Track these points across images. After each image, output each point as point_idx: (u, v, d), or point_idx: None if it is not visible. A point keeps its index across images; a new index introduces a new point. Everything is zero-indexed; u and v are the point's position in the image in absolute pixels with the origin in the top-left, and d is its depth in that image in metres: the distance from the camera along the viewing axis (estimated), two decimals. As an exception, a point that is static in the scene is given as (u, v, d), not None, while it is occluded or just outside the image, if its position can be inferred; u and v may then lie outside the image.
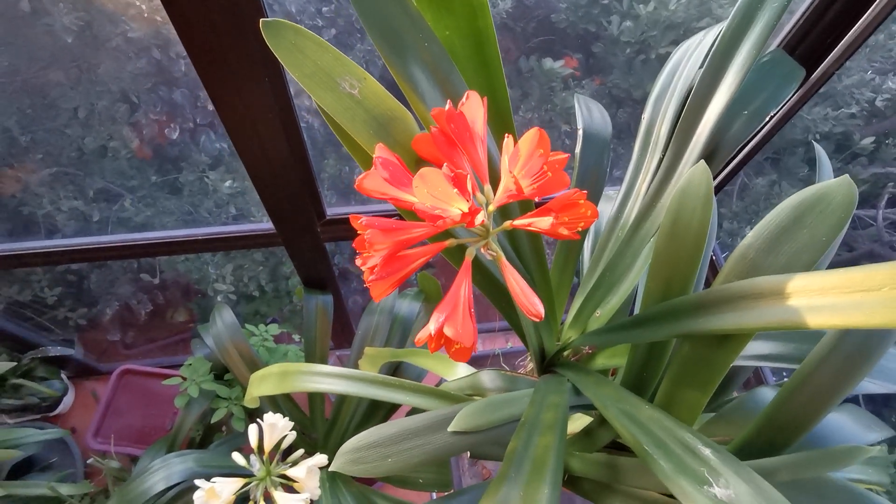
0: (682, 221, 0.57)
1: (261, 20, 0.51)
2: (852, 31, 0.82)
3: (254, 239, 1.18)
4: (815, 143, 0.81)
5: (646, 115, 0.82)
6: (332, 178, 1.74)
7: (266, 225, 1.17)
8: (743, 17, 0.68)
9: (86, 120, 1.61)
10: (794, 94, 0.84)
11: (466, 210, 0.42)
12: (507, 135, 0.44)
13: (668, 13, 1.88)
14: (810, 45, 0.86)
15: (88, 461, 1.43)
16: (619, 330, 0.63)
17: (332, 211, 1.14)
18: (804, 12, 0.87)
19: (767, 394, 0.68)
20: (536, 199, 0.45)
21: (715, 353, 0.52)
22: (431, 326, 0.45)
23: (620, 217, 0.81)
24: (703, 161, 0.58)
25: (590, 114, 0.88)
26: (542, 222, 0.44)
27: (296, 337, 1.66)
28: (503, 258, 0.50)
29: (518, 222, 0.47)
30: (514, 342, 1.66)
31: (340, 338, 1.66)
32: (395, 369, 1.23)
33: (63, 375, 1.71)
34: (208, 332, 1.31)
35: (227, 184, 1.55)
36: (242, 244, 1.20)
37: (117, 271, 1.72)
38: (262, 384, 0.86)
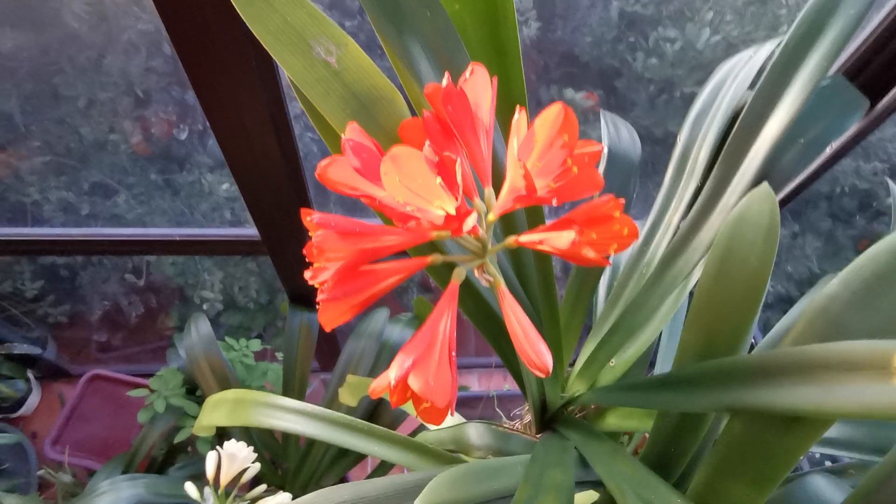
0: (735, 258, 0.43)
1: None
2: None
3: (236, 245, 1.05)
4: (889, 181, 0.67)
5: (682, 137, 0.68)
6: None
7: (251, 231, 1.04)
8: (810, 25, 0.55)
9: (86, 110, 1.50)
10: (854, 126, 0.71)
11: (452, 211, 0.28)
12: (519, 108, 0.31)
13: (694, 53, 1.77)
14: (873, 73, 0.73)
15: (40, 472, 1.28)
16: (644, 390, 0.48)
17: (323, 221, 1.01)
18: (867, 37, 0.74)
19: (823, 487, 0.52)
20: (553, 203, 0.31)
21: (780, 440, 0.37)
22: (393, 373, 0.31)
23: (646, 252, 0.67)
24: (765, 183, 0.44)
25: (617, 132, 0.74)
26: (559, 239, 0.30)
27: (279, 355, 1.52)
28: (503, 287, 0.36)
29: (526, 238, 0.33)
30: (512, 384, 1.47)
31: (327, 359, 1.52)
32: (378, 404, 1.08)
33: (31, 375, 1.57)
34: (182, 341, 1.17)
35: (225, 187, 1.44)
36: (224, 249, 1.07)
37: (102, 269, 1.60)
38: (214, 412, 0.71)
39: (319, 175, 0.37)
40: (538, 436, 0.61)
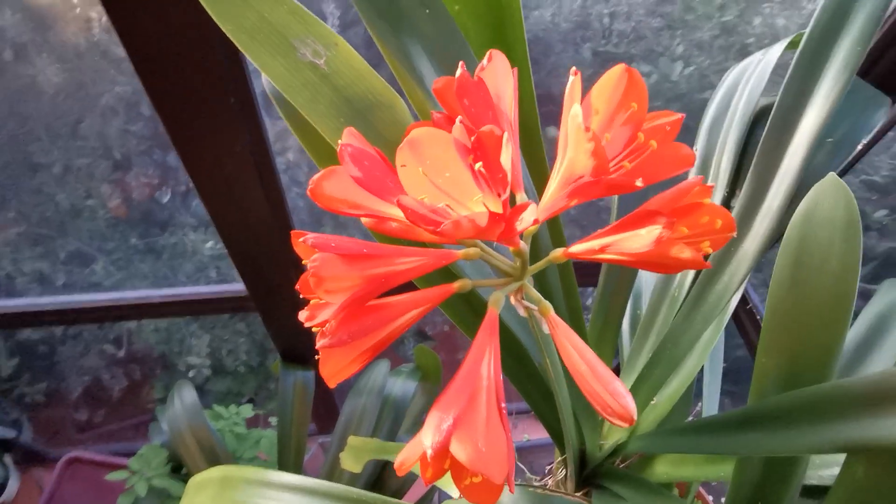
0: (811, 263, 0.35)
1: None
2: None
3: (222, 303, 0.95)
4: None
5: (698, 147, 0.62)
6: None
7: (238, 286, 0.95)
8: (835, 11, 0.50)
9: (63, 177, 1.43)
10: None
11: (499, 209, 0.20)
12: (574, 70, 0.23)
13: (670, 84, 1.77)
14: (883, 70, 0.68)
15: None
16: (717, 432, 0.39)
17: (314, 270, 0.92)
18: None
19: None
20: (638, 185, 0.23)
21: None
22: (428, 438, 0.21)
23: (674, 275, 0.60)
24: (832, 174, 0.37)
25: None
26: (637, 239, 0.22)
27: (273, 420, 1.39)
28: (552, 315, 0.28)
29: (582, 247, 0.25)
30: (531, 432, 1.29)
31: (325, 421, 1.39)
32: (384, 467, 0.96)
33: (8, 460, 1.41)
34: (165, 414, 1.05)
35: (209, 245, 1.35)
36: (209, 308, 0.97)
37: (80, 342, 1.48)
38: (197, 496, 0.60)
39: (313, 191, 0.29)
40: (579, 494, 0.51)
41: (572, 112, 0.21)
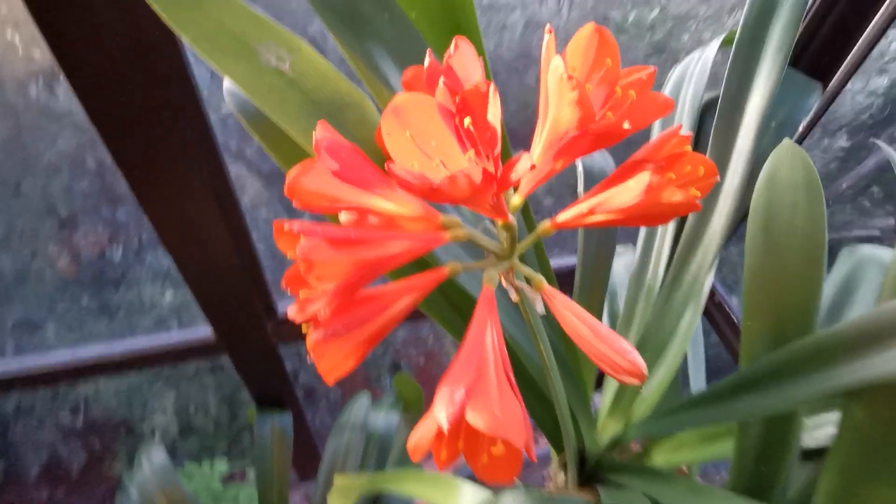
0: (780, 225, 0.37)
1: (132, -36, 0.32)
2: (858, 41, 0.70)
3: (187, 351, 0.90)
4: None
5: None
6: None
7: (204, 330, 0.91)
8: (763, 2, 0.53)
9: (5, 239, 1.35)
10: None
11: (490, 168, 0.20)
12: (548, 27, 0.24)
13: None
14: (811, 59, 0.73)
15: None
16: (715, 402, 0.39)
17: (285, 305, 0.89)
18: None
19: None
20: (625, 128, 0.23)
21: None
22: (442, 412, 0.20)
23: (647, 263, 0.61)
24: (787, 139, 0.39)
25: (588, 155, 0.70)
26: (626, 192, 0.22)
27: (251, 474, 1.31)
28: (547, 287, 0.27)
29: (570, 214, 0.25)
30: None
31: (307, 468, 1.32)
32: (374, 502, 0.92)
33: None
34: (133, 480, 0.97)
35: (169, 296, 1.29)
36: (175, 357, 0.92)
37: (31, 416, 1.37)
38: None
39: (290, 187, 0.28)
40: (582, 492, 0.50)
41: (553, 65, 0.21)
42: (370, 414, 1.04)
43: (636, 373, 0.23)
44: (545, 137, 0.23)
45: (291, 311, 0.26)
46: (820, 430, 0.43)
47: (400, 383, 1.08)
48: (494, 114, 0.20)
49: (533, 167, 0.19)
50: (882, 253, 0.52)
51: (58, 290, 1.32)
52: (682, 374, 0.64)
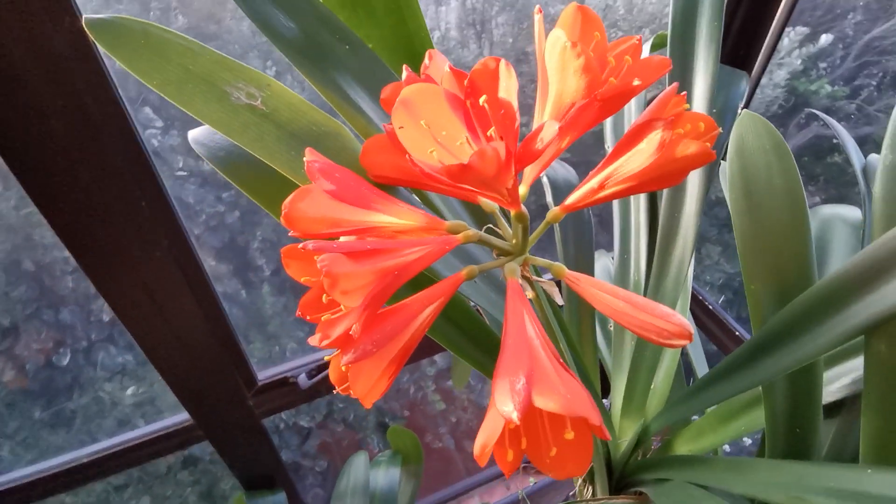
0: (759, 187, 0.38)
1: (85, 18, 0.31)
2: (767, 35, 0.77)
3: (165, 440, 0.83)
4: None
5: (608, 145, 0.67)
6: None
7: (178, 417, 0.84)
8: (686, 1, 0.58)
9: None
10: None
11: (501, 149, 0.20)
12: (537, 8, 0.24)
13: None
14: (731, 52, 0.80)
15: None
16: (739, 371, 0.39)
17: (265, 374, 0.84)
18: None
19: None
20: (635, 84, 0.23)
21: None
22: (507, 404, 0.19)
23: (627, 262, 0.62)
24: (745, 110, 0.41)
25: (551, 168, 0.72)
26: (640, 154, 0.22)
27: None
28: (568, 273, 0.27)
29: (580, 193, 0.25)
30: (535, 475, 1.18)
31: (307, 551, 1.22)
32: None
33: None
34: None
35: (131, 391, 1.20)
36: (151, 452, 0.84)
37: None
38: None
39: (288, 216, 0.27)
40: (621, 498, 0.48)
41: (553, 37, 0.22)
42: (370, 474, 0.98)
43: (684, 333, 0.23)
44: (550, 114, 0.24)
45: (314, 340, 0.24)
46: (835, 383, 0.43)
47: (395, 436, 1.04)
48: (507, 89, 0.20)
49: (516, 199, 0.19)
50: (842, 210, 0.55)
51: (7, 405, 1.20)
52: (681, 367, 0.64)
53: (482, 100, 0.20)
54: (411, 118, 0.21)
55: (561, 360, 0.22)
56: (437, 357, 1.62)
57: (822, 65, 1.96)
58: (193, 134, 0.38)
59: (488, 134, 0.20)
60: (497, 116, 0.20)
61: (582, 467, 0.21)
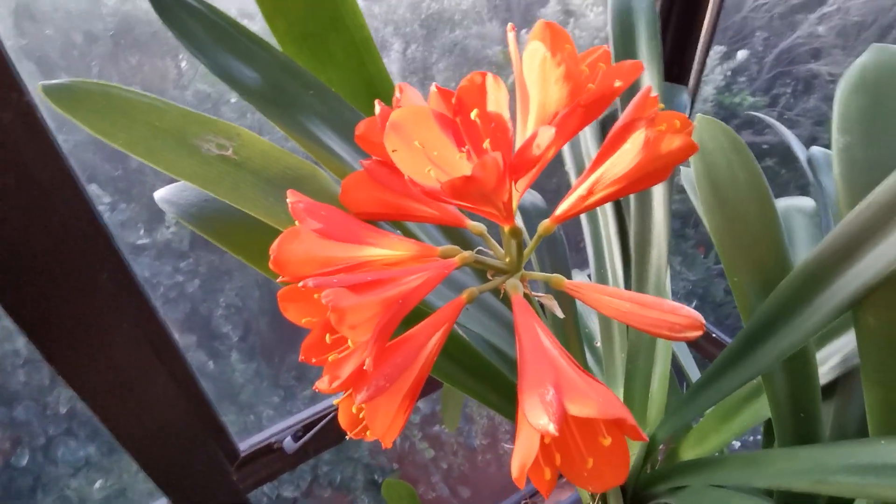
0: (724, 184, 0.40)
1: (41, 85, 0.30)
2: (696, 52, 0.82)
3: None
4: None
5: (569, 165, 0.69)
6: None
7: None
8: (622, 22, 0.61)
9: None
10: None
11: (499, 157, 0.20)
12: (511, 26, 0.25)
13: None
14: (666, 70, 0.84)
15: None
16: (735, 364, 0.39)
17: (247, 443, 0.79)
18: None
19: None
20: (616, 86, 0.24)
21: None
22: (542, 418, 0.18)
23: (604, 274, 0.63)
24: (699, 114, 0.44)
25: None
26: (625, 154, 0.23)
27: None
28: (568, 283, 0.27)
29: (569, 202, 0.25)
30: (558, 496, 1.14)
31: None
32: None
33: None
34: None
35: (98, 485, 1.11)
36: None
37: None
38: None
39: (276, 260, 0.26)
40: (640, 516, 0.47)
41: (531, 49, 0.22)
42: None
43: (695, 324, 0.23)
44: (532, 128, 0.24)
45: (322, 384, 0.23)
46: (823, 366, 0.44)
47: (389, 489, 0.99)
48: (497, 101, 0.20)
49: (510, 213, 0.19)
50: (797, 201, 0.58)
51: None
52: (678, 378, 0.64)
53: (473, 114, 0.20)
54: (403, 141, 0.21)
55: (581, 367, 0.21)
56: (419, 403, 1.58)
57: (742, 79, 2.11)
58: (160, 194, 0.37)
59: (483, 147, 0.20)
60: (489, 129, 0.21)
61: (621, 475, 0.20)
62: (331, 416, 0.82)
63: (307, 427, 0.81)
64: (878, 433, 0.32)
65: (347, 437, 0.24)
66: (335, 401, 0.24)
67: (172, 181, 0.39)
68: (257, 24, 0.41)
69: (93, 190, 1.17)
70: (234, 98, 1.28)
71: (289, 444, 0.79)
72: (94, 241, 0.53)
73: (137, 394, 0.61)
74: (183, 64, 1.28)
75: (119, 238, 0.55)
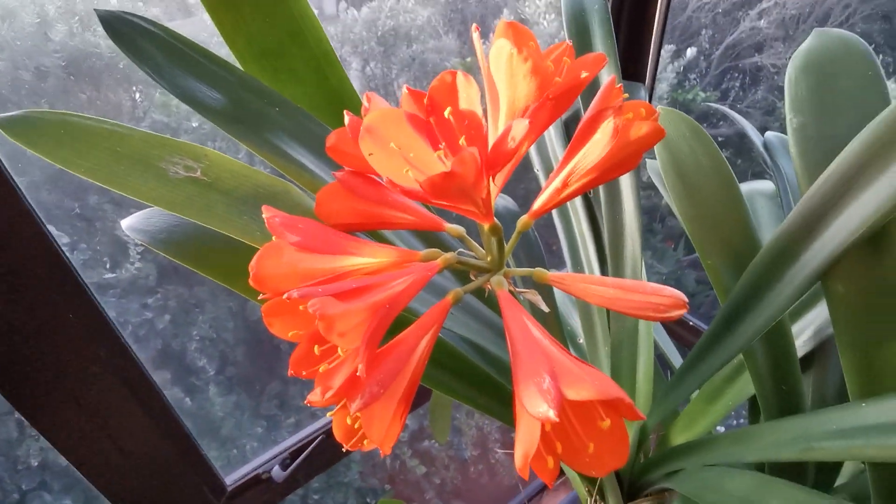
0: (689, 171, 0.41)
1: (-6, 119, 0.29)
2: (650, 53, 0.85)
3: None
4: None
5: (537, 167, 0.70)
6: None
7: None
8: (577, 23, 0.63)
9: None
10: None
11: (476, 152, 0.20)
12: (475, 26, 0.25)
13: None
14: (622, 67, 0.87)
15: None
16: (719, 342, 0.40)
17: (233, 477, 0.77)
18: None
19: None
20: (582, 77, 0.24)
21: (886, 258, 0.32)
22: (542, 405, 0.18)
23: (581, 267, 0.63)
24: (660, 106, 0.45)
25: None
26: (597, 144, 0.23)
27: None
28: (551, 275, 0.27)
29: (545, 196, 0.26)
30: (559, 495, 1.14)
31: None
32: None
33: None
34: None
35: (75, 540, 1.05)
36: None
37: None
38: None
39: (256, 276, 0.26)
40: (641, 502, 0.47)
41: (497, 47, 0.22)
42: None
43: (679, 303, 0.23)
44: (504, 123, 0.24)
45: (314, 397, 0.22)
46: (798, 339, 0.46)
47: (385, 510, 0.97)
48: (468, 99, 0.21)
49: (489, 213, 0.20)
50: (758, 185, 0.60)
51: None
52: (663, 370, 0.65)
53: (447, 112, 0.21)
54: (379, 144, 0.21)
55: (572, 354, 0.22)
56: (406, 420, 1.56)
57: (692, 75, 2.19)
58: (128, 222, 0.36)
59: (459, 144, 0.21)
60: (463, 126, 0.21)
61: (622, 457, 0.21)
62: (319, 439, 0.80)
63: (295, 454, 0.79)
64: (858, 396, 0.33)
65: (344, 450, 0.24)
66: (328, 413, 0.24)
67: (134, 212, 0.38)
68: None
69: (49, 230, 1.13)
70: (195, 122, 1.26)
71: (277, 472, 0.77)
72: (58, 281, 0.51)
73: (114, 437, 0.59)
74: (137, 95, 1.26)
75: (82, 278, 0.53)
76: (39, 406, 0.53)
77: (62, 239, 1.17)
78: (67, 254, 0.51)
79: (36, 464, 1.25)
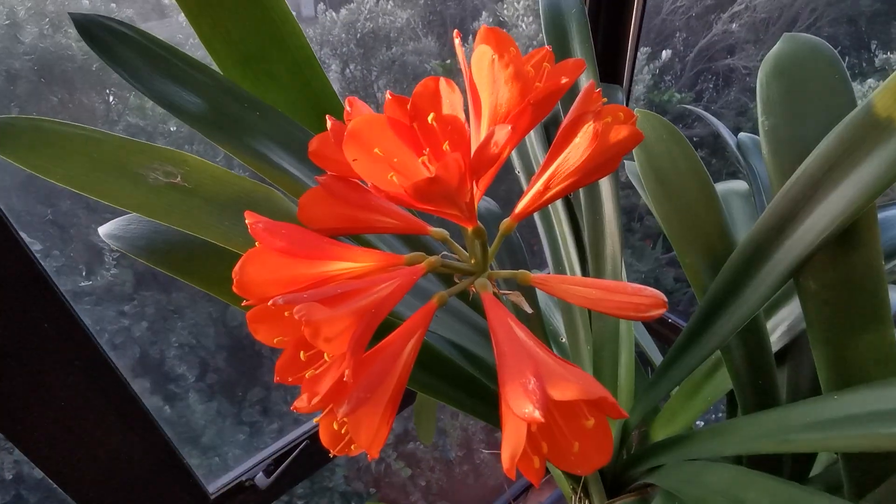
0: (667, 173, 0.42)
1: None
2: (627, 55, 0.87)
3: None
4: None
5: (517, 167, 0.71)
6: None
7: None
8: (555, 26, 0.63)
9: None
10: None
11: (459, 157, 0.20)
12: (456, 32, 0.25)
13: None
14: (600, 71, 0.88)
15: None
16: (697, 339, 0.41)
17: (216, 485, 0.76)
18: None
19: None
20: (562, 83, 0.25)
21: (856, 255, 0.33)
22: (527, 406, 0.18)
23: (563, 268, 0.64)
24: (637, 109, 0.46)
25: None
26: (577, 148, 0.24)
27: None
28: (533, 276, 0.28)
29: (524, 202, 0.26)
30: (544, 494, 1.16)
31: None
32: None
33: None
34: None
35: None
36: None
37: None
38: None
39: (240, 283, 0.25)
40: (622, 498, 0.48)
41: (479, 53, 0.23)
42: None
43: (658, 302, 0.24)
44: (486, 129, 0.25)
45: (301, 403, 0.22)
46: (774, 334, 0.47)
47: (371, 514, 0.97)
48: (451, 104, 0.21)
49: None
50: (732, 185, 0.62)
51: None
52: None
53: (430, 118, 0.21)
54: (363, 150, 0.21)
55: (556, 354, 0.22)
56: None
57: (668, 77, 2.23)
58: (106, 229, 0.35)
59: (443, 149, 0.21)
60: (446, 132, 0.21)
61: (606, 454, 0.21)
62: (302, 444, 0.79)
63: (279, 460, 0.78)
64: (830, 389, 0.34)
65: (331, 455, 0.24)
66: (315, 419, 0.24)
67: (109, 219, 0.37)
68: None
69: (23, 237, 1.10)
70: (172, 126, 1.24)
71: (261, 479, 0.76)
72: (32, 289, 0.50)
73: (91, 447, 0.58)
74: (111, 98, 1.23)
75: (57, 285, 0.52)
76: (13, 416, 0.51)
77: (34, 246, 1.14)
78: (41, 261, 0.50)
79: (10, 477, 1.22)
